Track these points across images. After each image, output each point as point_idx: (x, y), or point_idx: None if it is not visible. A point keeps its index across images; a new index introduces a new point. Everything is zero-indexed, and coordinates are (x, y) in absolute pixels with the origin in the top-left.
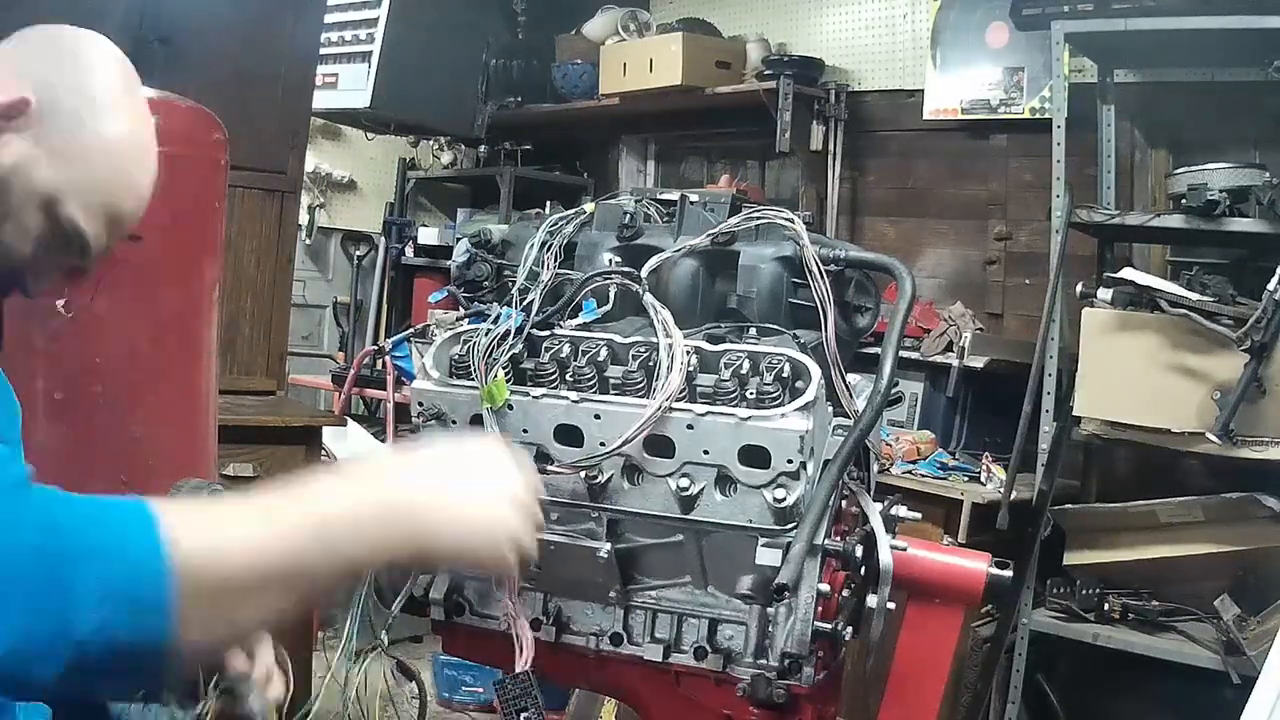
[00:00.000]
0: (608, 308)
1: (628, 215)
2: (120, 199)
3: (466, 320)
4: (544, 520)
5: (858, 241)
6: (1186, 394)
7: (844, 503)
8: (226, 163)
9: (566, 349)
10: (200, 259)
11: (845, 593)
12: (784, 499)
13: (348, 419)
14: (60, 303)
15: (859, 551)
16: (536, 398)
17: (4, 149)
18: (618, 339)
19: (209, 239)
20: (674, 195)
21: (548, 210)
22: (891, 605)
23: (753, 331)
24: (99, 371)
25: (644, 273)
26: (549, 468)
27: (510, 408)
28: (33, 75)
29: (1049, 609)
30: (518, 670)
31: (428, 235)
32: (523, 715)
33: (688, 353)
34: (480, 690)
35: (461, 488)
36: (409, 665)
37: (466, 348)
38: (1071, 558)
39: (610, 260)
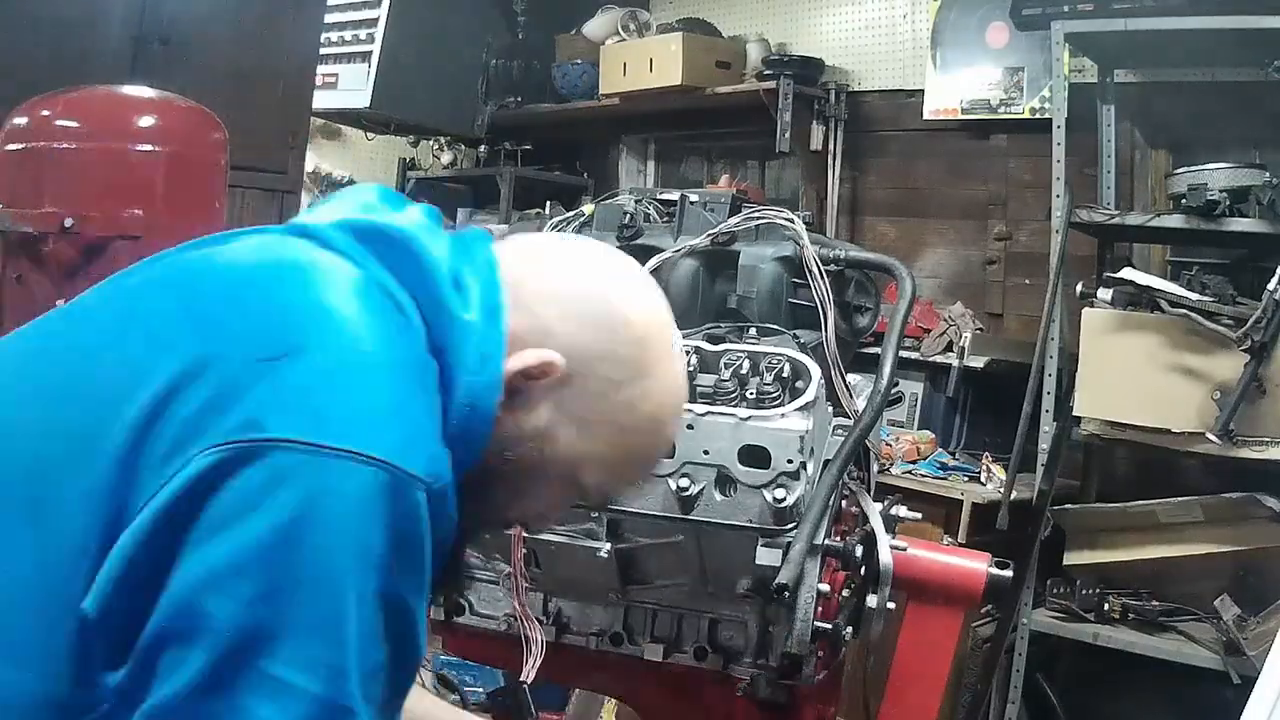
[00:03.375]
0: None
1: (628, 215)
2: (651, 465)
3: None
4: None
5: (858, 241)
6: (1186, 394)
7: (844, 503)
8: (227, 163)
9: None
10: None
11: (845, 593)
12: (784, 499)
13: None
14: (60, 301)
15: (859, 551)
16: None
17: (528, 413)
18: None
19: None
20: (674, 195)
21: (548, 210)
22: (891, 605)
23: (753, 331)
24: None
25: None
26: None
27: None
28: (561, 331)
29: (1049, 609)
30: (525, 675)
31: None
32: None
33: (687, 353)
34: (481, 690)
35: None
36: (449, 678)
37: None
38: (1071, 558)
39: None
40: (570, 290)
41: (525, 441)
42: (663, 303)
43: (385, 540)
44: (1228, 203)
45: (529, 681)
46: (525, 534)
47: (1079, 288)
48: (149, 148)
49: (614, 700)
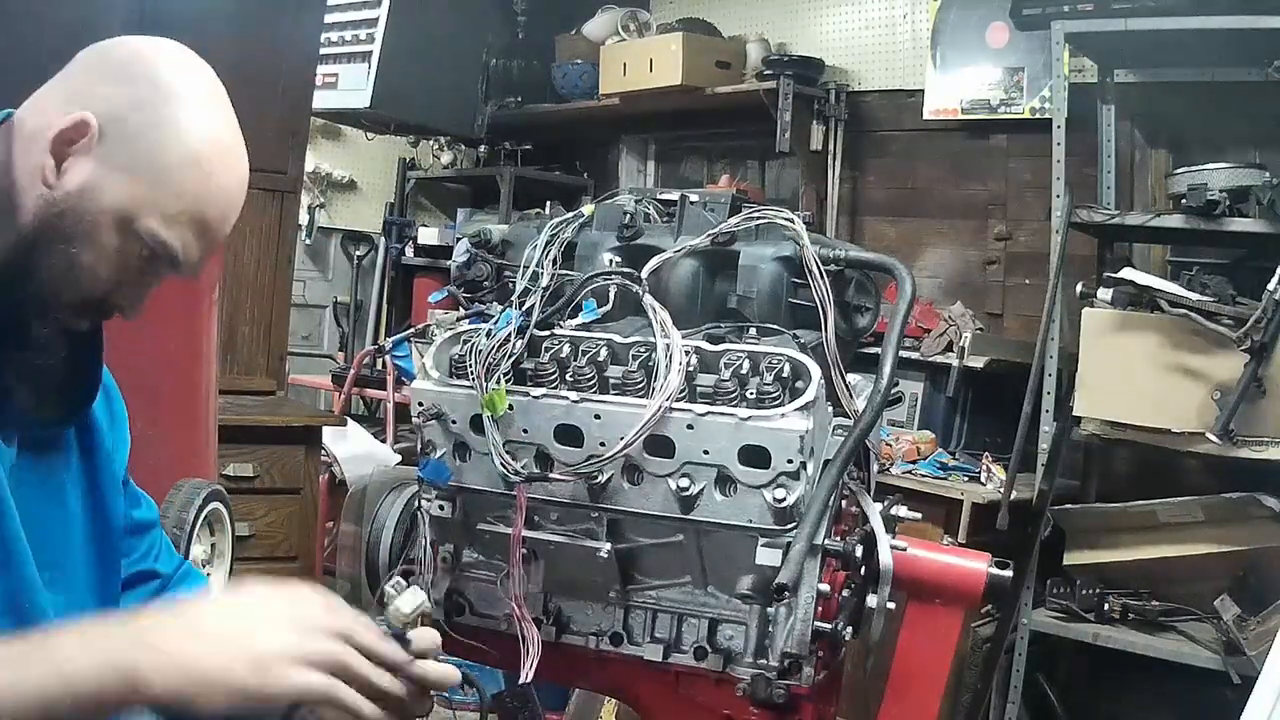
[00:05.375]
0: (608, 308)
1: (628, 215)
2: (203, 206)
3: (467, 320)
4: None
5: (858, 241)
6: (1186, 394)
7: (844, 503)
8: None
9: (566, 349)
10: None
11: (845, 593)
12: (784, 499)
13: (348, 419)
14: None
15: (859, 551)
16: (536, 398)
17: (69, 174)
18: (617, 339)
19: None
20: (674, 195)
21: (548, 210)
22: (891, 605)
23: (753, 331)
24: None
25: (644, 273)
26: (550, 474)
27: (510, 409)
28: (92, 95)
29: (1049, 609)
30: (523, 675)
31: (428, 235)
32: None
33: (687, 353)
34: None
35: (191, 645)
36: (469, 675)
37: (466, 348)
38: (1071, 558)
39: (610, 260)
40: (106, 61)
41: (76, 199)
42: (196, 62)
43: None
44: (1228, 203)
45: (528, 680)
46: (525, 533)
47: (1079, 288)
48: None
49: (614, 700)
